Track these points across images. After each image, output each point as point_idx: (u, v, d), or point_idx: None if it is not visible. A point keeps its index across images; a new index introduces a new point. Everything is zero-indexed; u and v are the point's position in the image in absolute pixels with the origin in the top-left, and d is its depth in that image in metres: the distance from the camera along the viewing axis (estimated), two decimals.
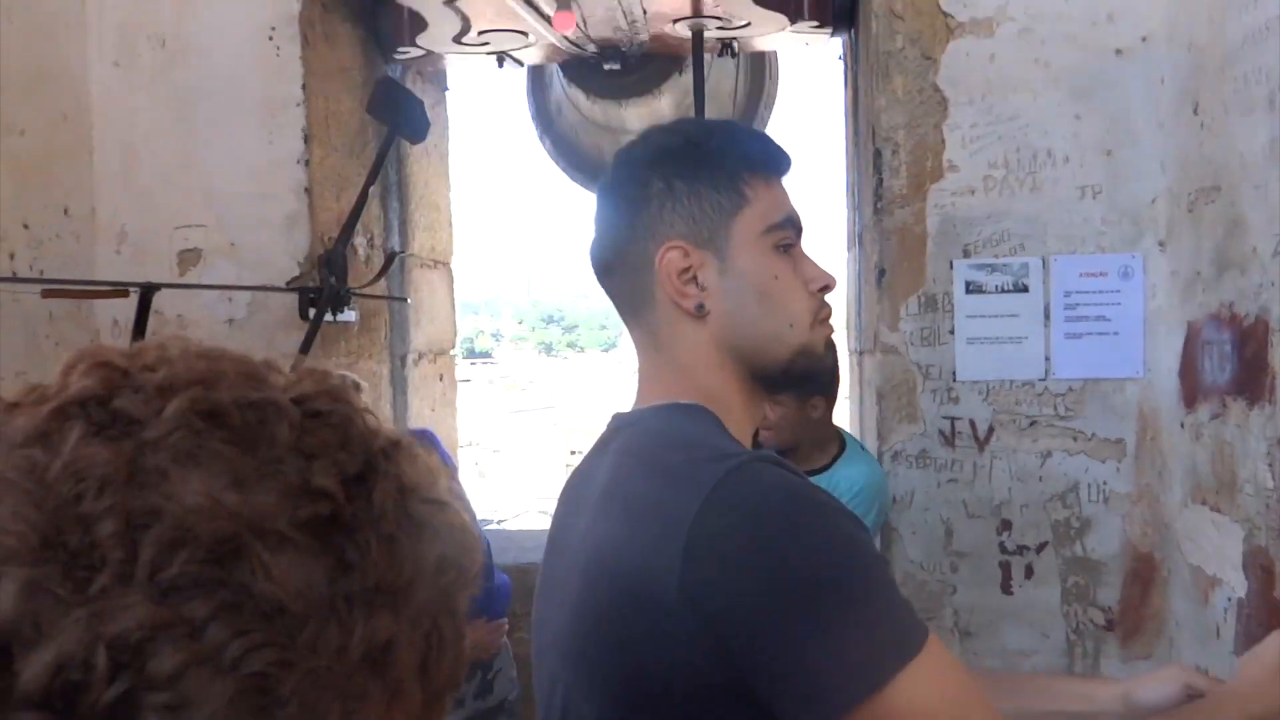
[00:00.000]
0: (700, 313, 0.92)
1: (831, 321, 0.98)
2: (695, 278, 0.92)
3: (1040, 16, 2.43)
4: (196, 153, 2.75)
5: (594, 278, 1.01)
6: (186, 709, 0.34)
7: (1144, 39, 2.39)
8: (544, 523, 5.10)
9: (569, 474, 1.04)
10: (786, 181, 0.98)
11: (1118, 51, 2.41)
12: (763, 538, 0.77)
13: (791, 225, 0.95)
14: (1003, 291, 2.45)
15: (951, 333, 2.48)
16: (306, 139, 2.73)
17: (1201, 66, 2.18)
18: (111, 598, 0.34)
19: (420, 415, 3.46)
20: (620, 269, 0.97)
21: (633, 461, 0.89)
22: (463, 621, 0.45)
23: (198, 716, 0.34)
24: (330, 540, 0.39)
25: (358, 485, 0.41)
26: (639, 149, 0.99)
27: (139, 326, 2.46)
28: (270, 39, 2.71)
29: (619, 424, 0.96)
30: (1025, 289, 2.45)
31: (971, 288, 2.47)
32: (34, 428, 0.39)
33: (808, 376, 0.97)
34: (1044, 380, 2.46)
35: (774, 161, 0.97)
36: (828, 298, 0.98)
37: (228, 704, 0.35)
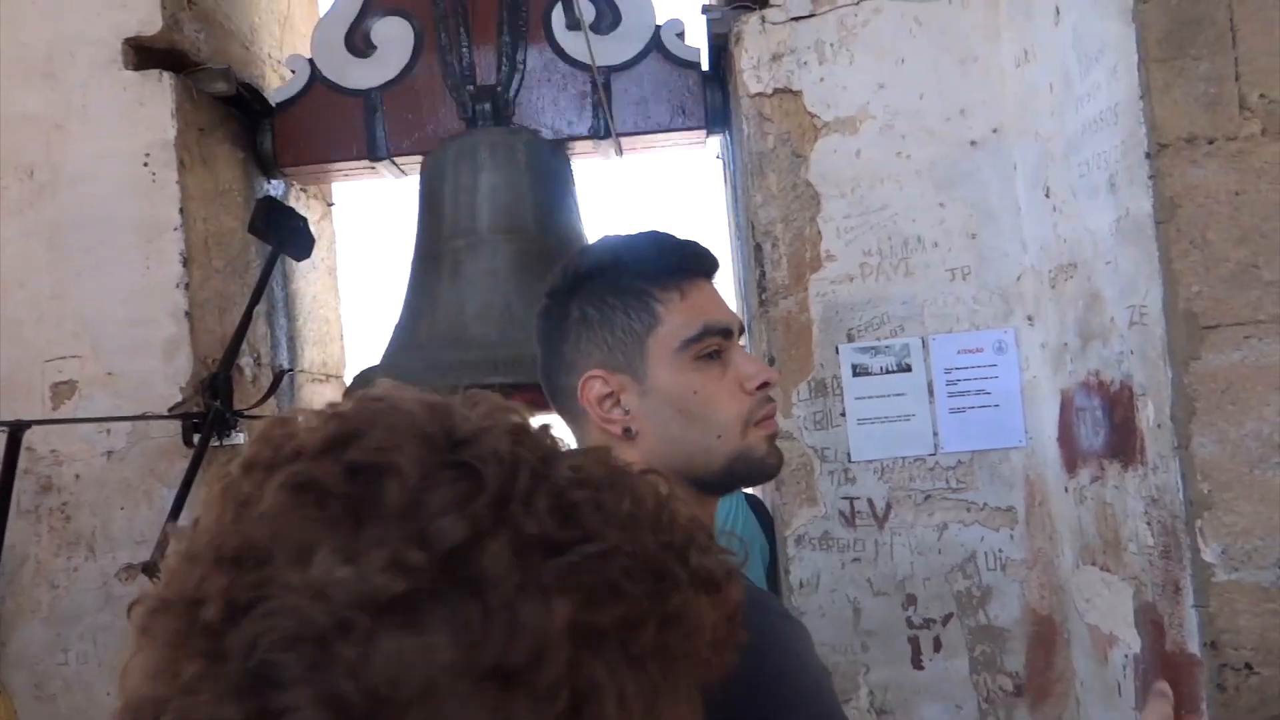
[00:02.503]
0: (628, 436, 0.92)
1: (777, 417, 0.98)
2: (619, 402, 0.92)
3: (899, 113, 2.58)
4: (69, 282, 2.67)
5: None
6: None
7: (995, 130, 2.56)
8: None
9: None
10: (714, 281, 0.98)
11: (972, 143, 2.57)
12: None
13: (712, 332, 0.93)
14: (887, 372, 2.54)
15: (843, 415, 2.55)
16: (185, 262, 2.68)
17: (1049, 154, 2.34)
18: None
19: None
20: (557, 394, 0.98)
21: None
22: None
23: None
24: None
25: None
26: (560, 278, 1.00)
27: (9, 465, 2.34)
28: (145, 165, 2.67)
29: None
30: (909, 368, 2.54)
31: (858, 370, 2.55)
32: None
33: (749, 478, 0.96)
34: (934, 455, 2.54)
35: (689, 269, 0.96)
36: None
37: None
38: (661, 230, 1.00)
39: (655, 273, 0.95)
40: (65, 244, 2.67)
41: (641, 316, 0.93)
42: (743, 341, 1.00)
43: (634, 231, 1.01)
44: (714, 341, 0.93)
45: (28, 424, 2.28)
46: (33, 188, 2.67)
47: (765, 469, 0.95)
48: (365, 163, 3.06)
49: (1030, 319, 2.53)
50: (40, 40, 2.74)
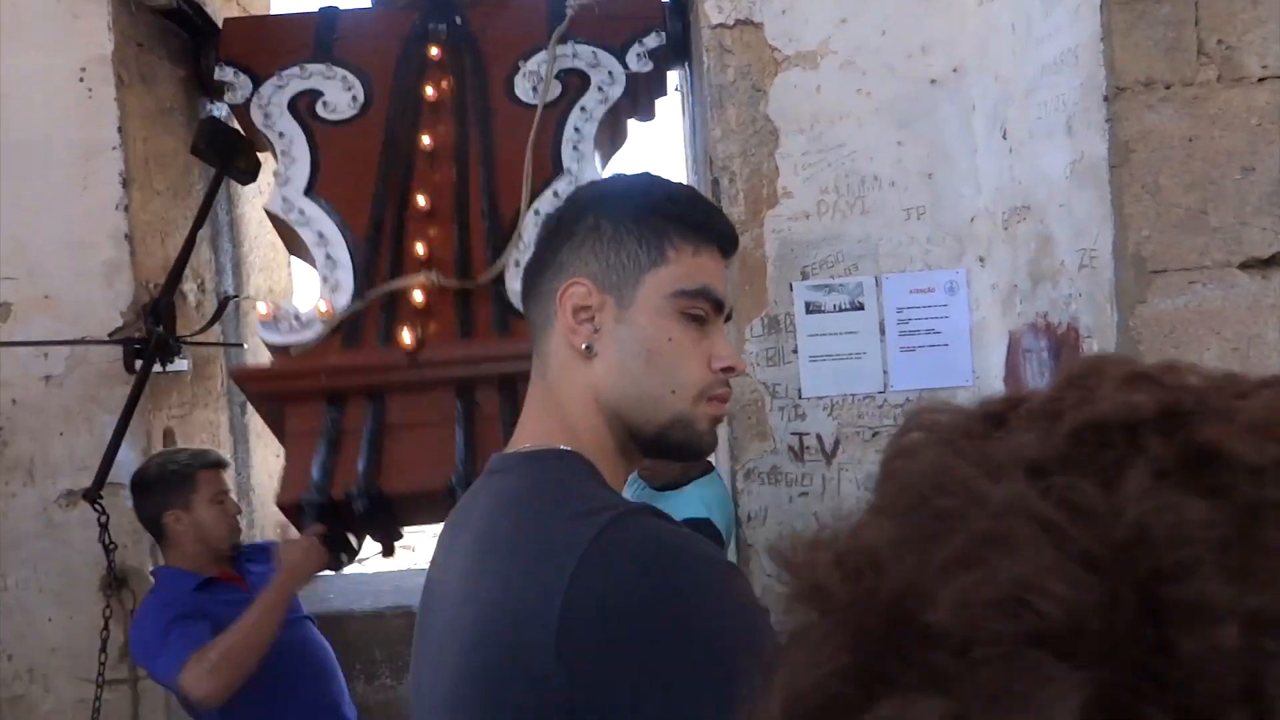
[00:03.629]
0: (588, 353, 0.91)
1: (727, 408, 0.97)
2: (593, 318, 0.91)
3: (861, 49, 2.55)
4: (5, 203, 2.57)
5: None
6: None
7: (955, 70, 2.55)
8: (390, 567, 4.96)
9: (451, 510, 1.00)
10: (724, 263, 0.97)
11: (932, 81, 2.55)
12: (639, 601, 0.75)
13: (707, 297, 0.93)
14: (840, 310, 2.55)
15: (795, 352, 2.57)
16: (125, 183, 2.59)
17: (1007, 95, 2.33)
18: None
19: (265, 463, 3.33)
20: (534, 295, 0.97)
21: (505, 516, 0.87)
22: None
23: None
24: None
25: None
26: (590, 189, 1.01)
27: None
28: (81, 80, 2.56)
29: (500, 465, 0.94)
30: (861, 307, 2.56)
31: (811, 308, 2.56)
32: (1046, 452, 0.27)
33: (681, 448, 0.94)
34: (883, 393, 2.57)
35: (712, 235, 0.95)
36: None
37: None
38: (702, 195, 1.01)
39: (682, 220, 0.94)
40: (0, 164, 2.56)
41: (651, 251, 0.92)
42: (726, 329, 1.00)
43: (678, 181, 1.02)
44: (704, 305, 0.93)
45: None
46: None
47: (699, 444, 0.95)
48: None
49: (982, 260, 2.54)
50: None
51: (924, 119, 2.56)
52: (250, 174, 2.75)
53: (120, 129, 2.57)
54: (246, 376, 2.58)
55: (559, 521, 0.82)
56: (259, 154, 2.87)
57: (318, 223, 2.61)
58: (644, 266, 0.92)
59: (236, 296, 3.12)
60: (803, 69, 2.57)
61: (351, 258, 2.59)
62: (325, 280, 2.57)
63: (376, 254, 2.61)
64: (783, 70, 2.58)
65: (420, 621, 0.97)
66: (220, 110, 2.97)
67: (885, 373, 2.56)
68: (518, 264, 2.57)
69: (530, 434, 0.95)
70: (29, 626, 2.60)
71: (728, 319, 1.00)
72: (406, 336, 2.45)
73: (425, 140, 2.74)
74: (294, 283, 3.63)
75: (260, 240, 3.38)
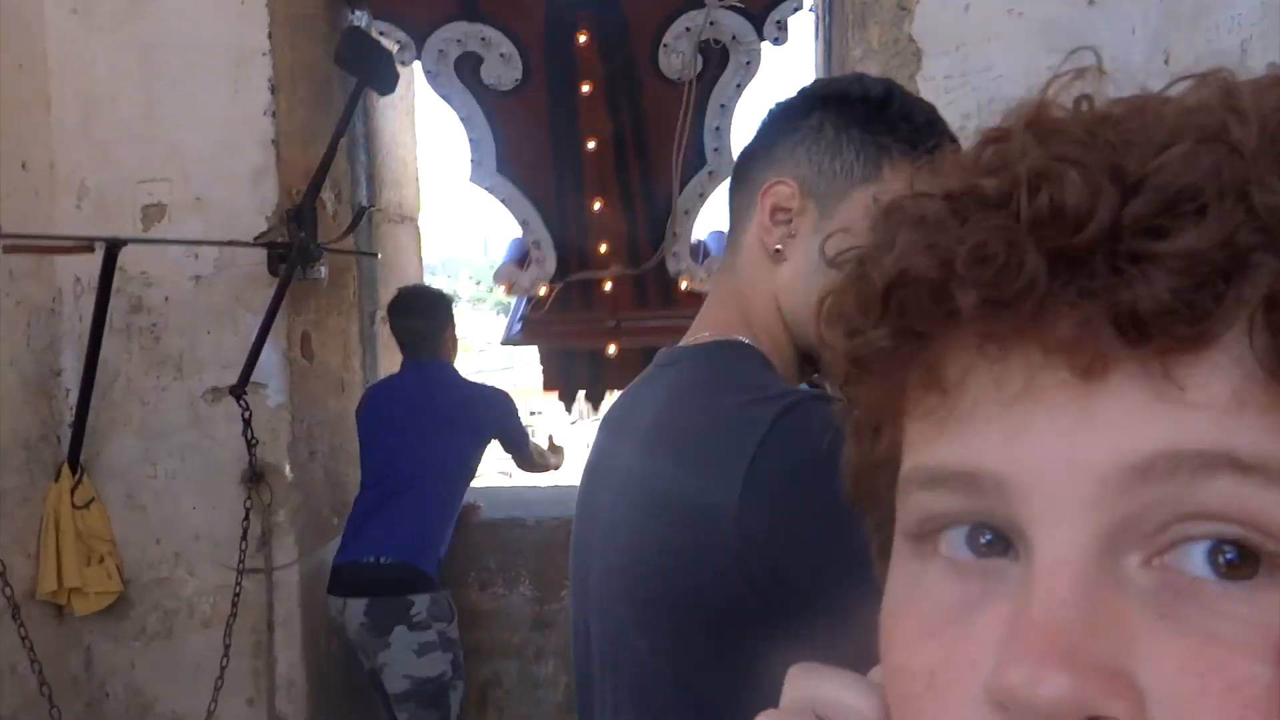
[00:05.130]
0: (778, 257, 0.90)
1: None
2: (790, 221, 0.89)
3: None
4: (159, 104, 2.67)
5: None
6: None
7: None
8: (502, 483, 5.09)
9: (611, 405, 1.02)
10: None
11: (1090, 2, 2.43)
12: (819, 481, 0.76)
13: None
14: None
15: None
16: (273, 90, 2.66)
17: (1173, 16, 2.20)
18: None
19: (388, 370, 3.43)
20: (741, 184, 0.95)
21: (684, 400, 0.88)
22: None
23: None
24: None
25: None
26: (826, 85, 0.97)
27: (104, 281, 2.40)
28: None
29: (669, 359, 0.94)
30: None
31: None
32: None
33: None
34: None
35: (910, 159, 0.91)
36: None
37: None
38: (939, 117, 0.96)
39: (909, 142, 0.90)
40: (155, 64, 2.66)
41: (867, 165, 0.89)
42: None
43: (918, 97, 0.97)
44: None
45: (123, 241, 2.32)
46: (124, 4, 2.64)
47: None
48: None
49: None
50: None
51: (1079, 41, 2.41)
52: (390, 86, 2.79)
53: (270, 35, 2.63)
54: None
55: (741, 405, 0.83)
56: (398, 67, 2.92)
57: (518, 207, 3.12)
58: (855, 180, 0.89)
59: (372, 206, 3.20)
60: None
61: (553, 239, 3.15)
62: (537, 262, 3.18)
63: (568, 242, 3.18)
64: None
65: (582, 515, 0.99)
66: (361, 20, 3.02)
67: None
68: (675, 254, 3.16)
69: (710, 324, 0.94)
70: (175, 513, 2.76)
71: None
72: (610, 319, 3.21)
73: (590, 145, 3.11)
74: (421, 199, 3.70)
75: (392, 154, 3.45)
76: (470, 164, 3.13)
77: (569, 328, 3.27)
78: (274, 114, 2.65)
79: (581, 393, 3.52)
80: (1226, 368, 0.28)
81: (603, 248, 3.20)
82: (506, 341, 3.53)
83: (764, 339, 0.91)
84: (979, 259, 0.30)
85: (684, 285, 3.16)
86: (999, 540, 0.31)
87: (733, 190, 0.98)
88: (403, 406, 2.90)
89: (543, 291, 3.20)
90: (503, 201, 3.16)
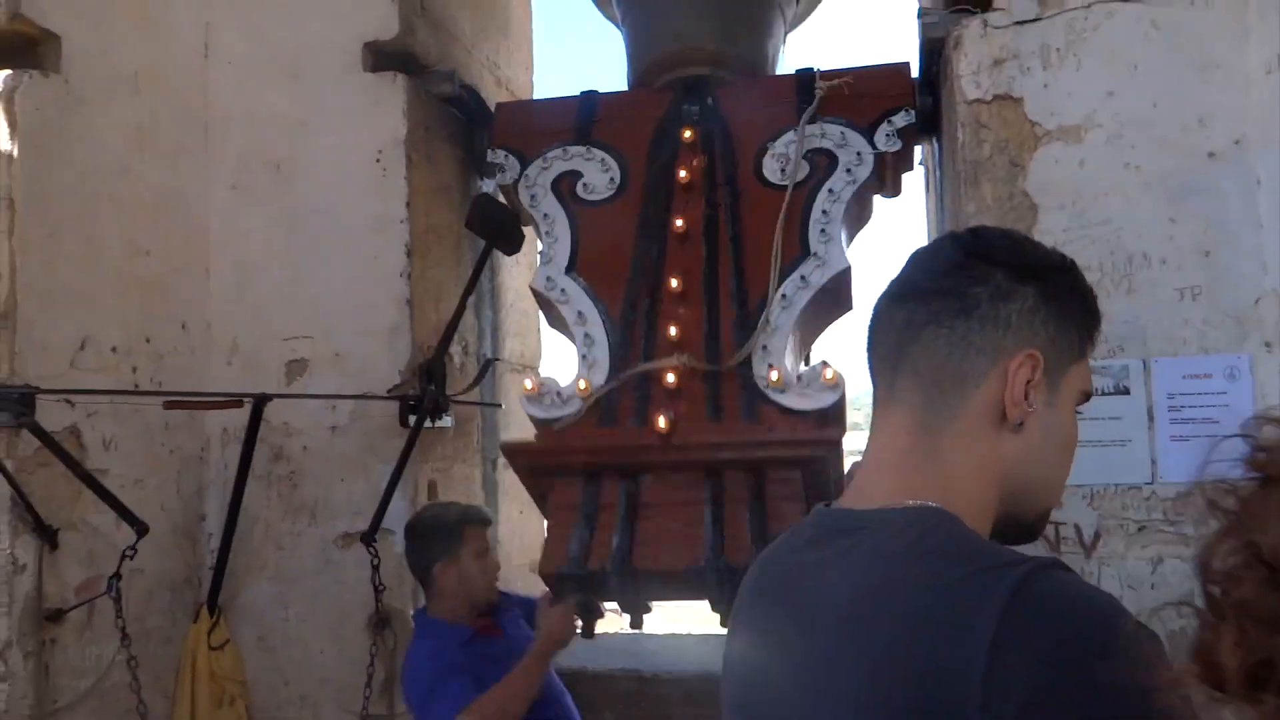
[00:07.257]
0: (1018, 429, 0.88)
1: None
2: (1027, 395, 0.88)
3: (1130, 122, 2.45)
4: (305, 268, 2.89)
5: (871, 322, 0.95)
6: None
7: (1236, 142, 2.40)
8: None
9: (759, 573, 0.96)
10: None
11: (1210, 155, 2.41)
12: (1073, 651, 0.72)
13: (1087, 399, 0.93)
14: (1103, 394, 2.43)
15: None
16: (409, 253, 2.85)
17: None
18: None
19: (509, 518, 3.50)
20: (942, 339, 0.90)
21: (896, 572, 0.82)
22: None
23: None
24: None
25: None
26: (1005, 242, 0.94)
27: (251, 433, 2.56)
28: (378, 161, 2.86)
29: (854, 524, 0.89)
30: (1127, 391, 2.42)
31: None
32: None
33: (1031, 538, 0.93)
34: (1151, 484, 2.40)
35: (1097, 339, 0.95)
36: None
37: None
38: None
39: (1096, 316, 0.93)
40: (303, 232, 2.89)
41: (1081, 342, 0.91)
42: None
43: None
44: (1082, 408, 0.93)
45: (270, 397, 2.48)
46: (278, 180, 2.90)
47: (1033, 535, 0.94)
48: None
49: (1269, 345, 2.35)
50: (288, 44, 2.97)
51: (1200, 194, 2.42)
52: (515, 247, 2.95)
53: (408, 204, 2.83)
54: (516, 451, 2.68)
55: (972, 574, 0.78)
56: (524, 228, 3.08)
57: (577, 301, 2.76)
58: (1075, 356, 0.91)
59: (496, 359, 3.34)
60: (1065, 143, 2.50)
61: (608, 336, 2.71)
62: (584, 358, 2.69)
63: (631, 334, 2.71)
64: (1043, 145, 2.51)
65: (740, 694, 0.94)
66: (489, 186, 3.22)
67: (1154, 462, 2.40)
68: (765, 349, 2.64)
69: (893, 489, 0.89)
70: (304, 656, 2.84)
71: None
72: (661, 420, 2.53)
73: (678, 222, 2.83)
74: (543, 349, 3.84)
75: (515, 307, 3.61)
76: (538, 266, 2.89)
77: (598, 442, 2.57)
78: (409, 275, 2.83)
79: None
80: None
81: (672, 330, 2.65)
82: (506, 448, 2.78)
83: (962, 508, 0.87)
84: None
85: (773, 376, 2.56)
86: None
87: (918, 339, 0.92)
88: None
89: (582, 386, 2.62)
90: (560, 303, 2.76)
